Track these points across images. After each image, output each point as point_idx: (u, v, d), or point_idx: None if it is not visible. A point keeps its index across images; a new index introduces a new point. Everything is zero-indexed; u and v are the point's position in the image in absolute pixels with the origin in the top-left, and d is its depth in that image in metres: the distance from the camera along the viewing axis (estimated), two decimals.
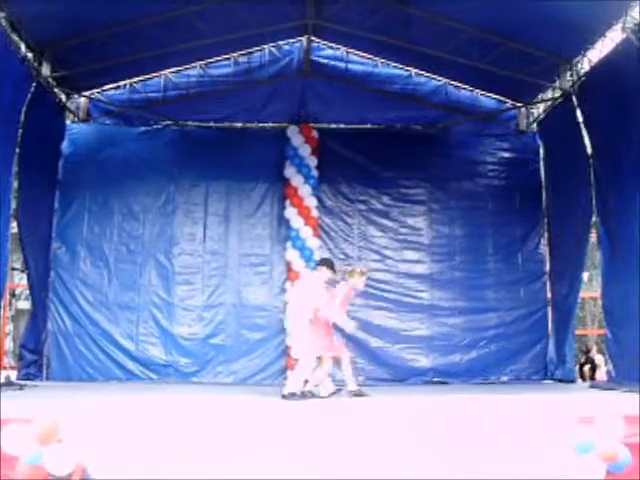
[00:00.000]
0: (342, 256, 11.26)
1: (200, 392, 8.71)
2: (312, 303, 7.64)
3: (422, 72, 11.44)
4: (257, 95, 11.24)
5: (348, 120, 11.81)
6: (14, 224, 9.66)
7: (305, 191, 11.14)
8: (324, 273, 7.96)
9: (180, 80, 11.33)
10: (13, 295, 16.06)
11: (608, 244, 9.39)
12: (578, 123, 10.05)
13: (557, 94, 10.86)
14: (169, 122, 11.62)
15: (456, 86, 11.64)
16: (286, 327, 7.89)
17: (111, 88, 11.47)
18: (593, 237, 10.31)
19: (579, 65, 10.29)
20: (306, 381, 7.85)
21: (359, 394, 7.73)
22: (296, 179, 11.16)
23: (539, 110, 11.76)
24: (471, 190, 11.60)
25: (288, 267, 11.11)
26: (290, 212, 11.12)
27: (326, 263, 8.17)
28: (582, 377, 13.38)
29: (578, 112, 10.10)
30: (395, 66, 11.37)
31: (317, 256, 10.65)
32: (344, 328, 7.85)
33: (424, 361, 11.05)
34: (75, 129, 11.48)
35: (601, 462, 5.34)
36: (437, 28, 9.70)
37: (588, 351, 14.47)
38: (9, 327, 15.49)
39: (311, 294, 7.73)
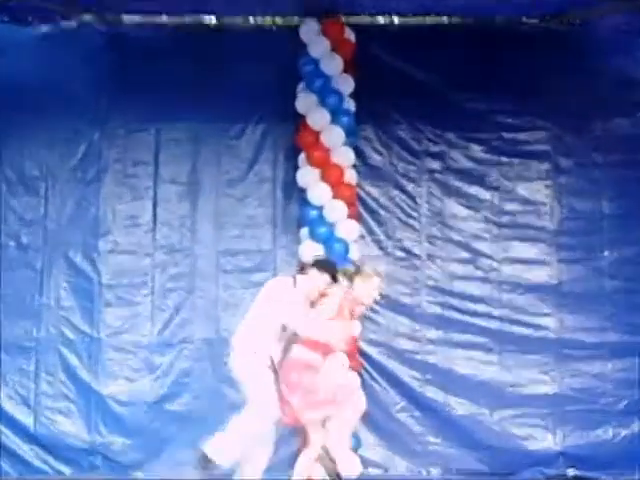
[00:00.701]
0: (400, 253, 10.81)
1: None
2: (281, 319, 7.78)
3: None
4: None
5: (407, 10, 10.98)
6: None
7: (333, 138, 10.43)
8: (313, 280, 7.92)
9: None
10: None
11: None
12: None
13: None
14: (89, 17, 10.96)
15: None
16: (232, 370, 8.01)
17: None
18: None
19: None
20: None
21: None
22: (317, 116, 10.43)
23: None
24: (631, 133, 10.89)
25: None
26: (307, 176, 10.47)
27: (321, 265, 8.11)
28: None
29: None
30: None
31: (356, 253, 10.37)
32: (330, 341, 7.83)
33: (548, 440, 10.51)
34: None
35: None
36: None
37: None
38: None
39: (279, 306, 7.79)
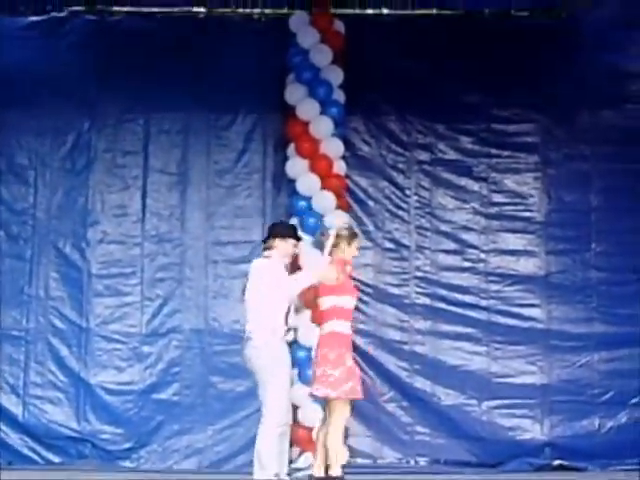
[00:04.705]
0: (389, 244, 11.01)
1: None
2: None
3: None
4: None
5: (396, 2, 11.31)
6: None
7: (323, 129, 10.61)
8: (283, 249, 7.85)
9: None
10: None
11: None
12: None
13: None
14: (80, 7, 11.28)
15: None
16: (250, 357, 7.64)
17: None
18: None
19: None
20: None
21: None
22: (306, 107, 10.63)
23: None
24: (619, 126, 11.10)
25: (293, 264, 10.00)
26: (296, 166, 10.63)
27: (280, 233, 7.96)
28: None
29: None
30: None
31: None
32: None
33: (536, 431, 10.76)
34: None
35: None
36: None
37: None
38: None
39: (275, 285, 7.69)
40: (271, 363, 7.55)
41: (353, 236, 8.05)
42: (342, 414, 7.70)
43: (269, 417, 7.49)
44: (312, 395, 7.77)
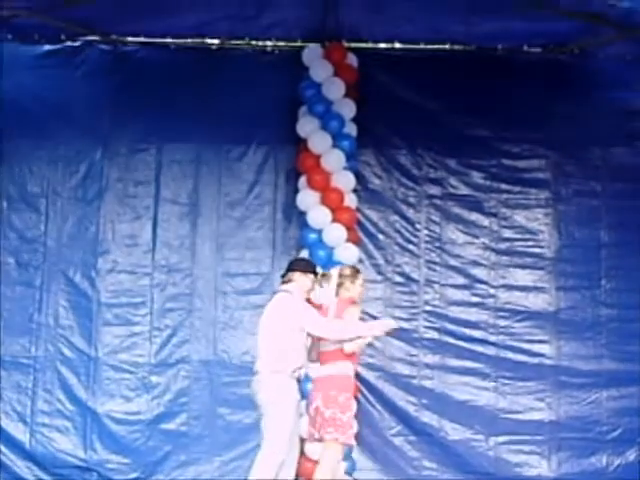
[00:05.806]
0: (399, 278, 11.00)
1: None
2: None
3: None
4: None
5: (410, 36, 11.27)
6: None
7: (334, 162, 10.65)
8: (302, 284, 8.03)
9: None
10: None
11: None
12: None
13: None
14: (94, 37, 11.28)
15: None
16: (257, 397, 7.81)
17: None
18: None
19: None
20: None
21: None
22: (318, 140, 10.65)
23: None
24: (630, 163, 11.09)
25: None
26: (307, 199, 10.66)
27: (301, 267, 8.19)
28: None
29: None
30: None
31: None
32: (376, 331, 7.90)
33: (543, 467, 10.71)
34: None
35: None
36: None
37: None
38: None
39: (295, 318, 7.79)
40: (275, 399, 7.59)
41: (356, 273, 8.14)
42: (338, 457, 7.71)
43: (266, 451, 7.56)
44: (318, 439, 7.72)
